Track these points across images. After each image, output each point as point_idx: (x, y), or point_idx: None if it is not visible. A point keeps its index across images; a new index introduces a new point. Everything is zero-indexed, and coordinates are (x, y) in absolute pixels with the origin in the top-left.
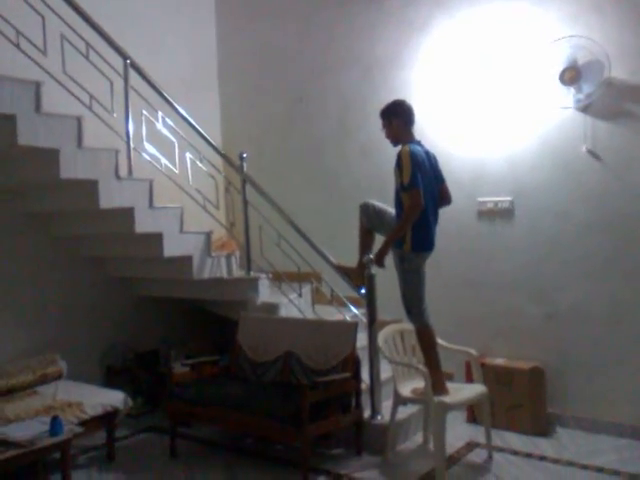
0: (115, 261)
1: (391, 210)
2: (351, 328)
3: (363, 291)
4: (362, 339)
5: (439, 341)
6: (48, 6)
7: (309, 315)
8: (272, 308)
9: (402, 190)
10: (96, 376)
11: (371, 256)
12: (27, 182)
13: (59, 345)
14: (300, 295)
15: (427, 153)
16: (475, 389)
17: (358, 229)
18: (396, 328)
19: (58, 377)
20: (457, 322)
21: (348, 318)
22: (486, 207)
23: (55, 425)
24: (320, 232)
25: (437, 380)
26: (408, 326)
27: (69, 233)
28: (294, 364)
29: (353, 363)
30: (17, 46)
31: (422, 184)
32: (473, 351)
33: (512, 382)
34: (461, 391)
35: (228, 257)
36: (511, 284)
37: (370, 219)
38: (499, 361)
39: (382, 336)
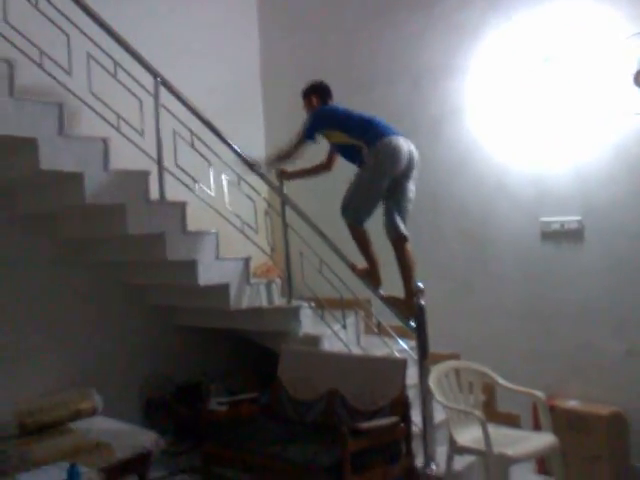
0: (152, 289)
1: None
2: (400, 366)
3: (413, 323)
4: (413, 376)
5: (500, 381)
6: (74, 25)
7: (354, 349)
8: (315, 340)
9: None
10: (134, 409)
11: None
12: (54, 209)
13: (96, 377)
14: (344, 326)
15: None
16: (543, 439)
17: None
18: (451, 365)
19: (93, 413)
20: (522, 358)
21: (396, 353)
22: (551, 228)
23: (72, 474)
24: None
25: (372, 273)
26: (464, 363)
27: (103, 260)
28: (338, 405)
29: (402, 405)
30: (40, 66)
31: (352, 118)
32: (540, 393)
33: (588, 429)
34: (527, 441)
35: (268, 284)
36: (584, 315)
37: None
38: (572, 404)
39: (435, 375)
